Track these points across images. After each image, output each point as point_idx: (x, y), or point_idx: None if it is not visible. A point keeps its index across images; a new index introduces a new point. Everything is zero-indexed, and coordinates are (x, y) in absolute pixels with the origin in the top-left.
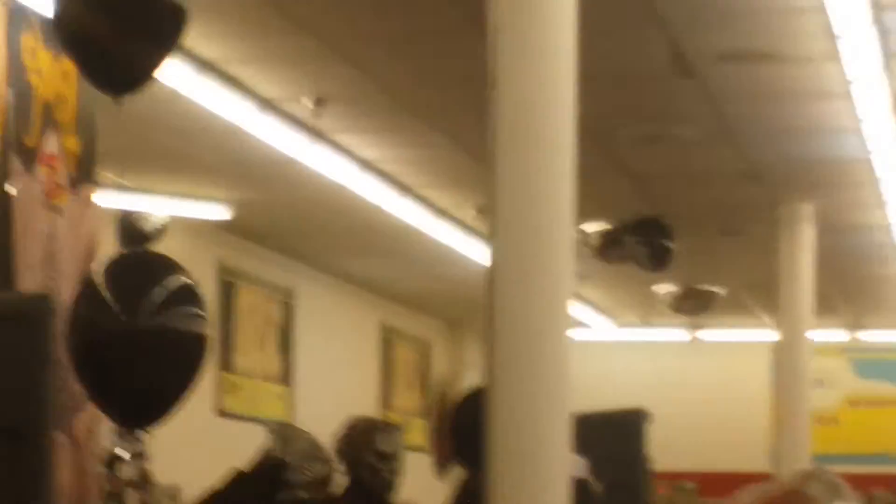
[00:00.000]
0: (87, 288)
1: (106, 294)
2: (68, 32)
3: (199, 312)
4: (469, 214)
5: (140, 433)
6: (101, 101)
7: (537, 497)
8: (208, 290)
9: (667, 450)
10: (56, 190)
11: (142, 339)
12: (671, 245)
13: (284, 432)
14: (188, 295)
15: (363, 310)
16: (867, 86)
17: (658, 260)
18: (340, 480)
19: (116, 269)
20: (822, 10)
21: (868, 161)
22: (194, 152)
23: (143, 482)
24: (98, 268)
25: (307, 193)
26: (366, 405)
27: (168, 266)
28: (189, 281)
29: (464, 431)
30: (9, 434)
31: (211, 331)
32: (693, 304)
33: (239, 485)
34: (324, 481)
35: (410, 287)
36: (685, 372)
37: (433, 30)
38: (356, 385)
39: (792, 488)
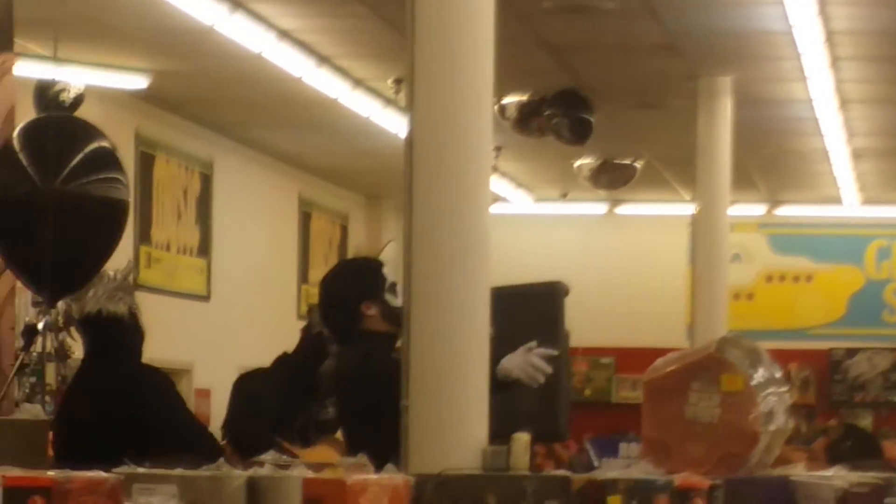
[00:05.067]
0: (4, 152)
1: (22, 158)
2: None
3: (118, 177)
4: (387, 86)
5: (58, 303)
6: None
7: (457, 372)
8: (126, 162)
9: (584, 325)
10: None
11: (58, 204)
12: (591, 117)
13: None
14: (107, 160)
15: (281, 182)
16: None
17: (578, 132)
18: None
19: (33, 134)
20: None
21: (789, 34)
22: (112, 21)
23: (62, 354)
24: (16, 132)
25: (226, 63)
26: (283, 278)
27: (87, 131)
28: (108, 146)
29: None
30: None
31: (129, 197)
32: (611, 178)
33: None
34: None
35: (329, 159)
36: (603, 247)
37: None
38: (274, 257)
39: (709, 354)
